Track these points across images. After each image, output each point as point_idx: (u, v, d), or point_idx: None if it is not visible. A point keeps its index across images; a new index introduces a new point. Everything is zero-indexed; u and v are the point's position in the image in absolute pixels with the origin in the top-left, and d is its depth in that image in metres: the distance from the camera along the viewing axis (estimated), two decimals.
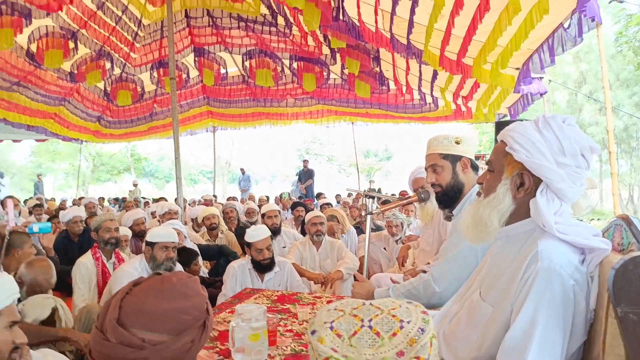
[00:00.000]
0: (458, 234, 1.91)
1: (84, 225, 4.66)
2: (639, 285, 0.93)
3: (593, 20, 3.75)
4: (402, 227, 4.10)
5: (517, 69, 5.51)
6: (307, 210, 5.10)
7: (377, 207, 2.41)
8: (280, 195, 10.55)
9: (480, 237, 1.32)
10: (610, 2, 4.72)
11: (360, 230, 5.36)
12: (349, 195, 9.38)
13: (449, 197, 2.06)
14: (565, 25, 4.21)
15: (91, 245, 3.43)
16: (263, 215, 4.67)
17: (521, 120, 1.34)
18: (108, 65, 8.69)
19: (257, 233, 3.10)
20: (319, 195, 9.95)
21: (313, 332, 0.74)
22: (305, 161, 13.21)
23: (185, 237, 3.92)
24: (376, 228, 4.67)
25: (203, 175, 37.94)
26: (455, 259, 1.92)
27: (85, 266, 3.19)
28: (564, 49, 4.45)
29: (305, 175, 12.35)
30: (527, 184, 1.25)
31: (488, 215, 1.28)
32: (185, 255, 3.53)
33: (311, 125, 11.57)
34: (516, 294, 1.16)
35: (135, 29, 8.38)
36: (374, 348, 0.70)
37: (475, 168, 2.05)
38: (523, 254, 1.20)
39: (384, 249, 4.29)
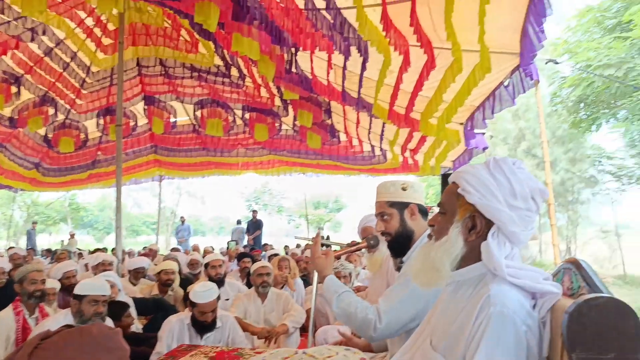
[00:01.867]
0: (407, 278, 1.85)
1: (7, 277, 4.25)
2: (593, 330, 0.90)
3: (532, 79, 3.99)
4: (351, 277, 4.02)
5: (461, 124, 5.75)
6: (254, 262, 4.93)
7: None
8: (228, 245, 10.26)
9: (431, 281, 1.27)
10: (546, 63, 5.09)
11: (307, 282, 5.21)
12: (298, 246, 9.25)
13: (399, 245, 2.02)
14: (506, 84, 4.46)
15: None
16: (206, 266, 4.47)
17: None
18: (51, 111, 8.37)
19: (204, 294, 2.92)
20: (266, 246, 9.75)
21: None
22: (254, 212, 13.00)
23: (119, 290, 3.64)
24: None
25: (147, 226, 36.62)
26: (399, 308, 1.84)
27: (4, 322, 2.88)
28: (504, 106, 4.69)
29: (254, 225, 12.14)
30: (479, 227, 1.23)
31: (440, 259, 1.25)
32: (115, 307, 3.24)
33: (261, 176, 11.49)
34: (468, 341, 1.11)
35: (84, 75, 8.18)
36: None
37: (424, 213, 2.03)
38: (474, 299, 1.16)
39: None
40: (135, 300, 3.90)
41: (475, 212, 1.22)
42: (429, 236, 1.36)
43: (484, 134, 6.34)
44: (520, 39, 3.69)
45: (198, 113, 8.52)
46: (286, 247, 10.62)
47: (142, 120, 9.70)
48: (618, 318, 0.87)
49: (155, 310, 3.95)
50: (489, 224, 1.21)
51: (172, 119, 9.14)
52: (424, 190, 2.10)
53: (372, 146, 8.34)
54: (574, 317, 0.90)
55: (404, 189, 2.00)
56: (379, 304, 1.89)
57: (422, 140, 6.85)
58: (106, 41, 7.58)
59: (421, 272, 1.30)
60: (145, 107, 8.92)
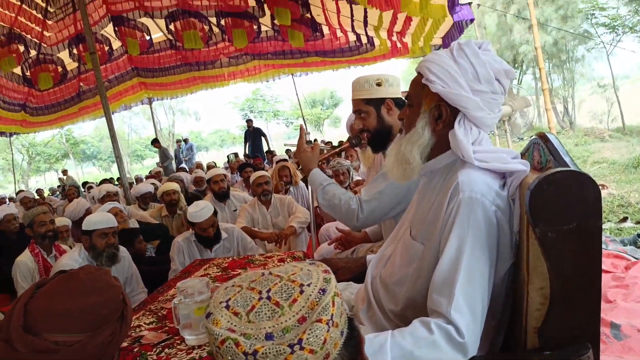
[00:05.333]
0: (384, 172, 1.91)
1: (19, 222, 4.38)
2: (555, 204, 0.94)
3: None
4: (349, 173, 4.11)
5: None
6: (256, 170, 5.02)
7: None
8: (228, 158, 10.34)
9: (405, 174, 1.31)
10: None
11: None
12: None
13: (379, 140, 2.04)
14: None
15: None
16: (209, 181, 4.56)
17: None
18: (22, 48, 7.99)
19: (199, 213, 3.01)
20: (269, 154, 9.83)
21: (208, 315, 0.70)
22: (248, 121, 12.80)
23: (127, 217, 3.77)
24: None
25: (149, 149, 36.82)
26: (379, 197, 1.93)
27: (24, 265, 3.04)
28: None
29: (252, 134, 12.10)
30: (444, 116, 1.23)
31: (410, 152, 1.27)
32: (127, 235, 3.39)
33: (251, 83, 11.25)
34: (442, 228, 1.17)
35: (44, 4, 7.68)
36: (274, 319, 0.67)
37: (402, 107, 2.02)
38: (445, 187, 1.20)
39: None
40: (140, 226, 4.03)
41: (441, 100, 1.22)
42: (400, 130, 1.38)
43: (470, 3, 6.06)
44: None
45: (172, 27, 8.08)
46: (287, 151, 10.72)
47: (117, 44, 9.28)
48: (578, 189, 0.90)
49: (159, 236, 4.10)
50: (455, 111, 1.21)
51: (146, 37, 8.71)
52: (400, 83, 2.06)
53: (358, 35, 8.01)
54: (535, 193, 0.93)
55: (378, 85, 1.98)
56: (361, 194, 1.97)
57: (408, 20, 6.56)
58: None
59: (394, 166, 1.32)
60: (116, 28, 8.47)
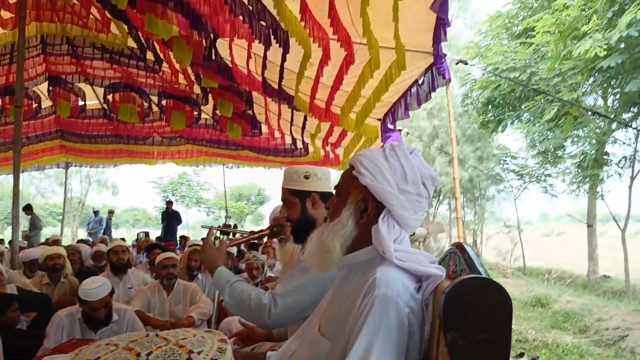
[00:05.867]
0: (303, 266, 1.86)
1: None
2: (467, 310, 0.93)
3: (444, 77, 4.18)
4: (263, 269, 3.99)
5: (380, 119, 5.92)
6: None
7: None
8: (137, 237, 9.78)
9: (324, 264, 1.27)
10: (457, 64, 5.35)
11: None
12: (215, 238, 9.00)
13: (301, 231, 2.02)
14: (420, 82, 4.65)
15: None
16: (109, 252, 4.23)
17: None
18: None
19: (94, 292, 2.73)
20: (184, 239, 9.42)
21: None
22: (168, 202, 12.40)
23: (5, 278, 3.32)
24: (236, 272, 4.48)
25: (53, 217, 34.12)
26: (295, 293, 1.84)
27: None
28: (419, 104, 4.88)
29: (169, 217, 11.65)
30: (369, 210, 1.25)
31: (332, 240, 1.25)
32: (0, 301, 2.96)
33: (179, 166, 11.08)
34: (353, 324, 1.12)
35: None
36: None
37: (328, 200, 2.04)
38: (362, 282, 1.18)
39: None
40: (19, 291, 3.57)
41: (368, 194, 1.24)
42: (325, 219, 1.37)
43: (400, 130, 6.58)
44: (433, 38, 3.86)
45: (110, 97, 7.99)
46: (203, 239, 10.34)
47: (47, 103, 8.95)
48: (491, 298, 0.91)
49: (37, 307, 3.63)
50: (380, 207, 1.23)
51: (80, 102, 8.50)
52: (330, 177, 2.09)
53: (294, 139, 8.34)
54: (449, 297, 0.93)
55: (306, 177, 2.00)
56: (275, 289, 1.88)
57: (343, 134, 6.96)
58: (5, 15, 6.87)
59: (314, 254, 1.29)
60: (50, 88, 8.22)
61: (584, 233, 14.11)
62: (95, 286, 2.75)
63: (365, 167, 1.24)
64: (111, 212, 13.78)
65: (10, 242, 8.23)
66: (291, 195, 2.01)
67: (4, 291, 3.28)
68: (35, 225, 10.81)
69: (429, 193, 1.26)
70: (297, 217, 2.00)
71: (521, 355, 5.34)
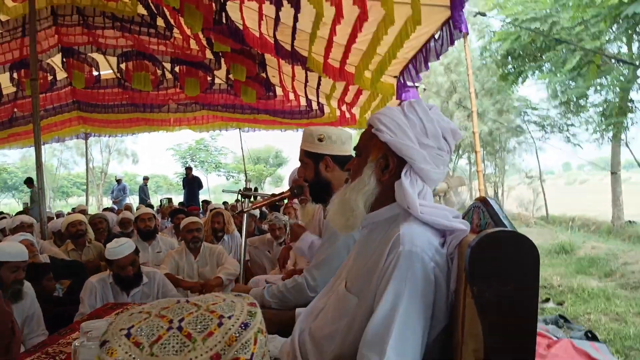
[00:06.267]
0: (331, 233, 1.88)
1: None
2: (494, 263, 0.94)
3: (460, 31, 4.06)
4: (286, 229, 4.06)
5: (395, 77, 5.81)
6: None
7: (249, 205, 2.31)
8: (160, 202, 9.96)
9: (348, 223, 1.29)
10: (475, 16, 5.18)
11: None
12: (237, 201, 9.15)
13: (317, 193, 2.04)
14: (437, 37, 4.51)
15: None
16: (136, 220, 4.34)
17: None
18: None
19: (117, 250, 2.82)
20: (205, 204, 9.58)
21: (103, 344, 0.60)
22: (187, 168, 12.56)
23: (37, 249, 3.45)
24: (260, 233, 4.57)
25: (77, 187, 34.87)
26: (329, 261, 1.87)
27: None
28: (438, 56, 4.75)
29: (190, 183, 11.82)
30: (391, 166, 1.25)
31: (354, 200, 1.26)
32: (35, 270, 3.08)
33: (196, 132, 11.14)
34: (378, 280, 1.14)
35: None
36: (182, 354, 0.57)
37: (344, 164, 2.02)
38: (386, 239, 1.19)
39: (268, 252, 4.20)
40: (52, 260, 3.72)
41: (388, 151, 1.24)
42: (346, 180, 1.38)
43: (417, 87, 6.46)
44: None
45: (123, 66, 7.97)
46: (225, 202, 10.51)
47: (62, 75, 9.00)
48: (517, 250, 0.91)
49: (69, 273, 3.78)
50: (402, 163, 1.23)
51: (94, 73, 8.52)
52: (348, 140, 2.07)
53: (309, 100, 8.26)
54: (475, 250, 0.93)
55: (320, 140, 1.98)
56: (305, 275, 1.94)
57: (358, 93, 6.86)
58: None
59: (338, 214, 1.30)
60: (64, 59, 8.24)
61: (607, 180, 13.89)
62: (119, 245, 2.85)
63: (384, 124, 1.23)
64: (146, 179, 13.93)
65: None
66: (306, 157, 2.02)
67: (38, 261, 3.41)
68: (33, 199, 10.90)
69: (450, 147, 1.25)
70: (312, 178, 2.02)
71: (547, 300, 5.40)
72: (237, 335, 0.60)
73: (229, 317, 0.61)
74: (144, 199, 12.96)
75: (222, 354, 0.58)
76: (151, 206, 10.07)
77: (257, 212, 5.98)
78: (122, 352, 0.58)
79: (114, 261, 2.82)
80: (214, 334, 0.59)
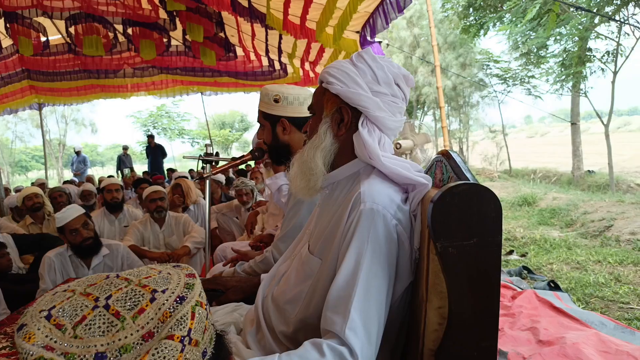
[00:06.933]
0: (294, 204, 1.84)
1: None
2: (457, 217, 0.91)
3: None
4: (253, 194, 3.99)
5: (357, 32, 5.67)
6: None
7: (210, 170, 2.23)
8: (122, 172, 9.68)
9: (310, 185, 1.24)
10: None
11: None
12: (202, 168, 8.96)
13: (277, 156, 1.97)
14: None
15: None
16: (102, 190, 4.18)
17: None
18: None
19: (66, 214, 2.72)
20: (170, 171, 9.38)
21: (20, 328, 0.54)
22: (149, 136, 12.14)
23: None
24: (227, 199, 4.49)
25: (36, 160, 33.62)
26: (293, 232, 1.83)
27: None
28: (399, 11, 4.62)
29: (153, 151, 11.49)
30: (346, 119, 1.21)
31: (312, 157, 1.22)
32: None
33: (156, 97, 10.74)
34: (340, 240, 1.11)
35: None
36: (109, 335, 0.52)
37: (301, 126, 1.92)
38: (347, 198, 1.15)
39: (236, 218, 4.14)
40: (15, 237, 3.57)
41: (342, 103, 1.21)
42: (304, 142, 1.32)
43: (380, 42, 6.34)
44: None
45: (72, 30, 7.51)
46: (191, 170, 10.31)
47: (7, 42, 8.43)
48: (479, 203, 0.89)
49: (38, 248, 3.64)
50: (357, 115, 1.20)
51: (42, 39, 8.01)
52: (307, 100, 1.97)
53: (271, 60, 8.05)
54: (437, 205, 0.91)
55: (276, 101, 1.89)
56: (272, 248, 1.92)
57: (321, 51, 6.69)
58: None
59: (298, 176, 1.26)
60: (7, 25, 7.69)
61: (568, 132, 14.30)
62: (66, 209, 2.76)
63: (333, 75, 1.20)
64: (125, 149, 13.29)
65: None
66: (263, 119, 1.95)
67: None
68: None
69: (405, 93, 1.22)
70: (269, 140, 1.95)
71: (510, 252, 5.58)
72: (172, 310, 0.55)
73: (163, 292, 0.56)
74: (122, 170, 12.38)
75: (155, 332, 0.53)
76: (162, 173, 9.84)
77: (222, 178, 5.87)
78: (41, 336, 0.52)
79: (65, 227, 2.71)
80: (145, 311, 0.54)
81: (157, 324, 0.53)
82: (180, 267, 0.61)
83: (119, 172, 12.02)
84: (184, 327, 0.54)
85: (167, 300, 0.55)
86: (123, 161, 12.90)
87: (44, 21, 7.87)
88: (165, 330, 0.53)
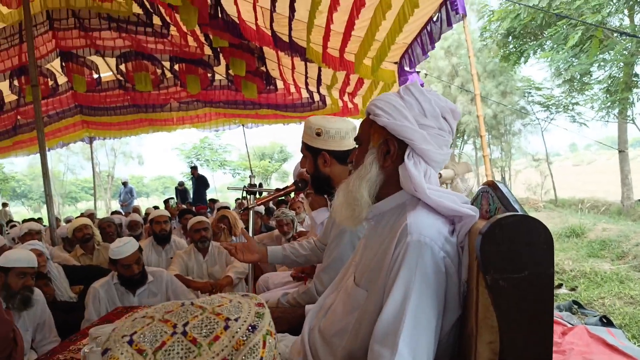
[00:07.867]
0: (336, 235, 1.84)
1: None
2: (507, 249, 0.90)
3: (457, 13, 3.98)
4: (293, 224, 4.03)
5: (396, 63, 5.73)
6: None
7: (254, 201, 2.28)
8: (167, 202, 9.93)
9: (354, 214, 1.24)
10: None
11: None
12: (243, 198, 9.11)
13: (319, 186, 1.99)
14: (435, 19, 4.44)
15: None
16: (151, 222, 4.30)
17: None
18: None
19: (122, 249, 2.79)
20: (212, 202, 9.57)
21: (105, 352, 0.57)
22: (192, 168, 12.48)
23: (47, 258, 3.44)
24: (267, 230, 4.54)
25: (85, 192, 35.08)
26: (336, 264, 1.84)
27: None
28: (435, 41, 4.67)
29: (196, 182, 11.81)
30: (392, 150, 1.21)
31: (358, 188, 1.22)
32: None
33: (200, 130, 11.11)
34: (387, 272, 1.10)
35: None
36: None
37: (342, 160, 1.94)
38: (393, 230, 1.14)
39: None
40: (66, 268, 3.71)
41: (388, 135, 1.21)
42: (350, 172, 1.34)
43: (418, 72, 6.38)
44: None
45: (122, 67, 7.95)
46: (237, 199, 10.49)
47: (62, 79, 8.99)
48: (529, 235, 0.87)
49: (85, 278, 3.76)
50: (403, 146, 1.20)
51: (95, 75, 8.50)
52: (349, 134, 1.97)
53: (310, 92, 8.21)
54: (486, 237, 0.89)
55: (318, 135, 1.92)
56: (314, 280, 1.94)
57: (360, 82, 6.80)
58: None
59: (342, 206, 1.27)
60: (63, 64, 8.22)
61: (615, 159, 13.71)
62: (123, 243, 2.83)
63: (380, 108, 1.21)
64: (181, 185, 13.45)
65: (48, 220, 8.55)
66: (305, 150, 1.98)
67: (45, 271, 3.39)
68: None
69: (451, 127, 1.22)
70: (312, 171, 1.98)
71: (559, 286, 5.33)
72: (245, 338, 0.57)
73: (236, 320, 0.59)
74: (185, 199, 12.60)
75: (229, 358, 0.55)
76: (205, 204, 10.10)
77: (262, 209, 5.95)
78: None
79: (118, 260, 2.80)
80: (220, 338, 0.57)
81: (231, 352, 0.55)
82: (249, 297, 0.64)
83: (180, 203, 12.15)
84: (256, 356, 0.56)
85: (239, 328, 0.57)
86: (181, 195, 13.10)
87: (97, 59, 8.37)
88: (239, 358, 0.55)
